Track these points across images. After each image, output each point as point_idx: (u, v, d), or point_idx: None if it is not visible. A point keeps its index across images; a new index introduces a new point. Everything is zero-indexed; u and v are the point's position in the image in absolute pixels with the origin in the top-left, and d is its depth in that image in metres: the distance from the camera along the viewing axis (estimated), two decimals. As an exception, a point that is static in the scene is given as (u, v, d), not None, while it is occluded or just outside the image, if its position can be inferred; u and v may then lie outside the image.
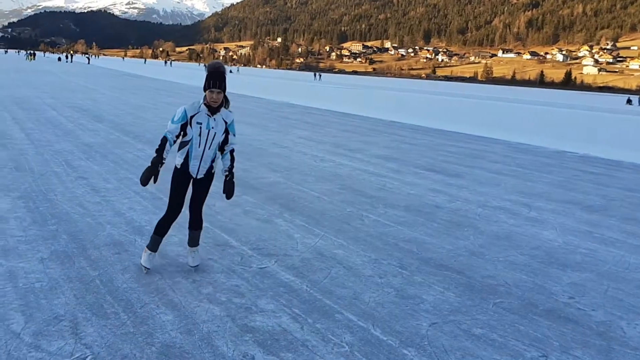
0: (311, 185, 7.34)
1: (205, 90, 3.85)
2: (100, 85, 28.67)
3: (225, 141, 4.03)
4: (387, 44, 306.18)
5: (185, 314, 3.38)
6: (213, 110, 3.89)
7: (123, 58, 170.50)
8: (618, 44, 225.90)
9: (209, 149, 3.95)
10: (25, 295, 3.48)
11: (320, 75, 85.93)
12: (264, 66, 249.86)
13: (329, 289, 3.90)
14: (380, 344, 3.17)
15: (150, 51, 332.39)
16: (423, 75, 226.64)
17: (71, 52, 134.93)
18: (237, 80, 49.47)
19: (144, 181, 3.89)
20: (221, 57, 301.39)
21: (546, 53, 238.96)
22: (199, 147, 3.91)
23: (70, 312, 3.29)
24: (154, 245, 4.09)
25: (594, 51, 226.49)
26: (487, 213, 6.40)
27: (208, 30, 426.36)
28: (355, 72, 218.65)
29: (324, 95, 33.07)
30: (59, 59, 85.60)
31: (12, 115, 13.04)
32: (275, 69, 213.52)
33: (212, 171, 4.10)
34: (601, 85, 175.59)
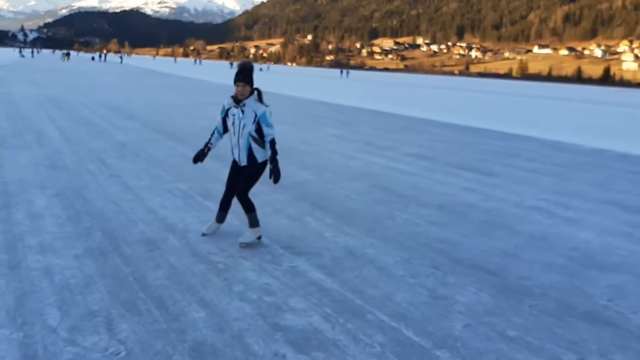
0: (342, 184, 7.31)
1: (234, 84, 4.45)
2: (132, 84, 29.21)
3: (261, 132, 4.44)
4: (419, 41, 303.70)
5: (217, 312, 3.39)
6: (238, 101, 4.43)
7: (154, 57, 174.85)
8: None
9: (241, 137, 4.45)
10: (61, 291, 3.55)
11: (347, 72, 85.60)
12: (294, 64, 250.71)
13: (360, 289, 3.87)
14: (413, 345, 3.12)
15: (181, 50, 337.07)
16: (456, 71, 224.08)
17: (105, 51, 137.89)
18: (268, 78, 49.73)
19: (194, 159, 4.80)
20: (251, 55, 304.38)
21: (584, 48, 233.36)
22: (234, 135, 4.51)
23: (105, 308, 3.34)
24: (217, 218, 4.85)
25: (634, 46, 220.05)
26: (523, 213, 6.26)
27: (239, 29, 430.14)
28: (386, 69, 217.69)
29: (355, 93, 32.99)
30: (93, 58, 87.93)
31: (48, 113, 13.37)
32: (305, 66, 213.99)
33: (257, 162, 4.54)
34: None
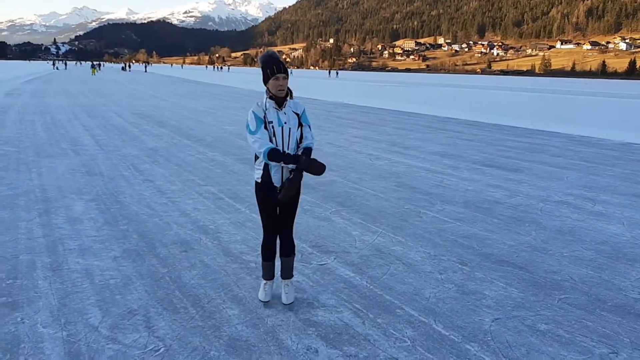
0: (367, 183, 7.37)
1: (267, 81, 3.34)
2: (160, 92, 29.68)
3: (301, 137, 3.48)
4: (440, 40, 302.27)
5: (250, 309, 3.49)
6: (281, 101, 3.34)
7: (171, 65, 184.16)
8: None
9: (287, 149, 3.40)
10: (101, 291, 3.70)
11: (337, 72, 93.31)
12: (316, 67, 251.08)
13: (389, 285, 3.93)
14: (443, 339, 3.17)
15: (207, 57, 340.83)
16: (478, 70, 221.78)
17: (132, 61, 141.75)
18: (291, 82, 49.92)
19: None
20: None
21: (608, 42, 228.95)
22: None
23: (143, 307, 3.47)
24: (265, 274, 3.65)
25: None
26: (550, 208, 6.24)
27: (262, 35, 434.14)
28: (408, 70, 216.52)
29: (378, 95, 32.96)
30: (123, 68, 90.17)
31: (82, 122, 13.74)
32: (327, 69, 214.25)
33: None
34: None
